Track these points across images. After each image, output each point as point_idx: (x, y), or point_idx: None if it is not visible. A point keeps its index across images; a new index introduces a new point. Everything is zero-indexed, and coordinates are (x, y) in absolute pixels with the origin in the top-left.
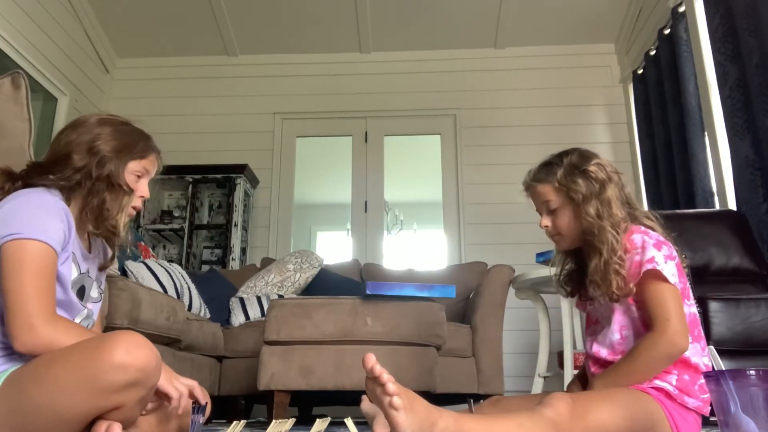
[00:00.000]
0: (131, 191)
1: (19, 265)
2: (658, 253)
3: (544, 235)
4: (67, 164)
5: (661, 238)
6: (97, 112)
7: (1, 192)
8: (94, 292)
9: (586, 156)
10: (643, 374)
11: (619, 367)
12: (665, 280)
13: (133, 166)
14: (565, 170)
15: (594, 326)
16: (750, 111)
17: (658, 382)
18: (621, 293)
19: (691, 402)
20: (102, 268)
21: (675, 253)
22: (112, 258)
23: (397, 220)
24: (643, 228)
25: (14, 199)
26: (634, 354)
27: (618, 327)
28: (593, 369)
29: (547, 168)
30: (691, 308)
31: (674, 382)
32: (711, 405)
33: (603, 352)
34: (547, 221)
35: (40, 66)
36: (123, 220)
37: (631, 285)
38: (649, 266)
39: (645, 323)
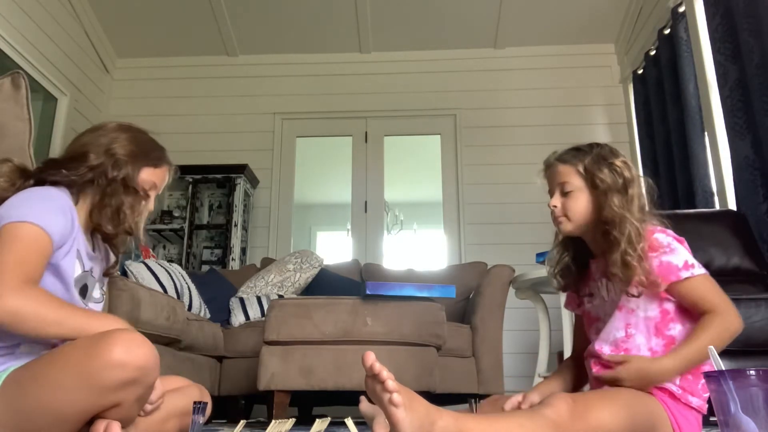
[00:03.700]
0: (147, 197)
1: (9, 240)
2: (686, 252)
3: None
4: (83, 162)
5: (678, 237)
6: (116, 119)
7: (13, 188)
8: (96, 293)
9: (615, 152)
10: (705, 356)
11: (691, 344)
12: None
13: (146, 174)
14: (594, 158)
15: (596, 324)
16: (750, 111)
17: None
18: (644, 286)
19: (694, 401)
20: (106, 274)
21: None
22: (116, 263)
23: (397, 220)
24: (659, 228)
25: (21, 194)
26: (702, 335)
27: (623, 324)
28: (595, 369)
29: (575, 152)
30: None
31: (678, 382)
32: (708, 403)
33: (606, 349)
34: (557, 201)
35: (40, 66)
36: (141, 223)
37: (660, 282)
38: (686, 275)
39: (664, 322)
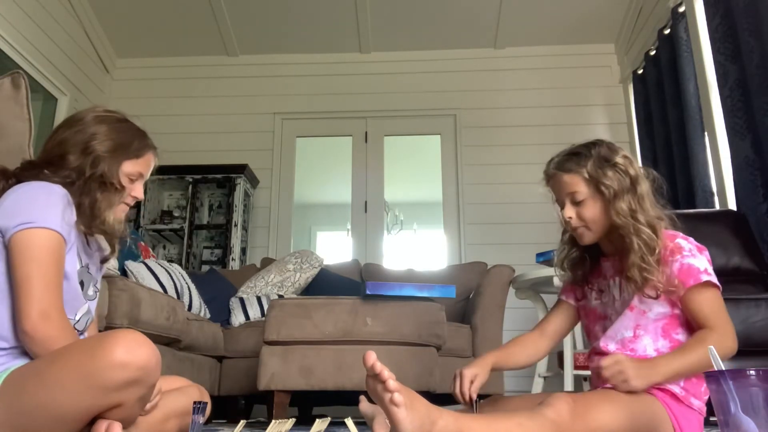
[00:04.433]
0: (122, 188)
1: (29, 253)
2: (706, 261)
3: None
4: (62, 164)
5: (700, 245)
6: (93, 108)
7: None
8: (90, 290)
9: (613, 149)
10: (697, 369)
11: (684, 357)
12: (716, 286)
13: (128, 167)
14: (595, 162)
15: (603, 322)
16: (750, 111)
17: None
18: (662, 291)
19: (696, 403)
20: (104, 261)
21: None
22: (113, 251)
23: (397, 220)
24: (681, 234)
25: (18, 189)
26: (700, 349)
27: (633, 325)
28: None
29: (575, 158)
30: None
31: (682, 383)
32: (706, 405)
33: (611, 346)
34: (571, 212)
35: (40, 66)
36: (111, 216)
37: (680, 286)
38: (706, 278)
39: (673, 326)
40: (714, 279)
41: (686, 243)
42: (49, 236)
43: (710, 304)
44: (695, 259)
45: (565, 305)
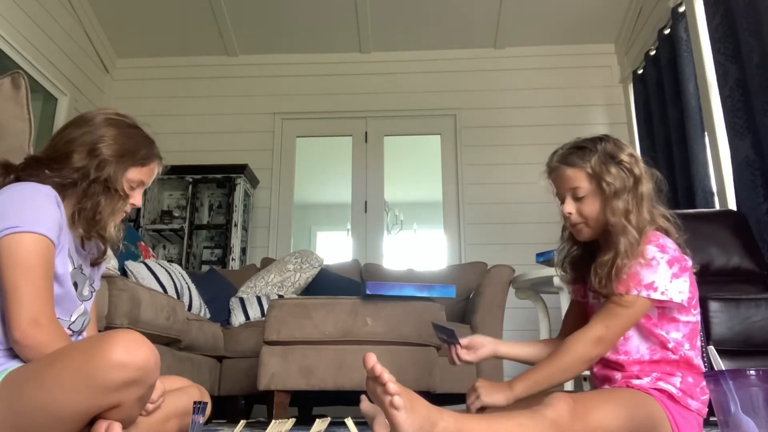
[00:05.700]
0: (126, 197)
1: (23, 259)
2: (663, 276)
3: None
4: (66, 163)
5: (676, 254)
6: (104, 110)
7: None
8: (86, 290)
9: (620, 145)
10: (566, 374)
11: (541, 369)
12: (650, 299)
13: (133, 174)
14: (600, 157)
15: None
16: (750, 111)
17: (661, 384)
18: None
19: (693, 404)
20: (94, 264)
21: (688, 265)
22: (104, 253)
23: (397, 220)
24: (661, 240)
25: (7, 191)
26: (559, 356)
27: None
28: (596, 368)
29: (579, 152)
30: (697, 316)
31: (678, 384)
32: (708, 407)
33: None
34: (571, 208)
35: (40, 66)
36: (113, 224)
37: (616, 287)
38: (639, 292)
39: (654, 324)
40: (656, 296)
41: (652, 252)
42: (37, 240)
43: (609, 311)
44: (649, 270)
45: (576, 304)
